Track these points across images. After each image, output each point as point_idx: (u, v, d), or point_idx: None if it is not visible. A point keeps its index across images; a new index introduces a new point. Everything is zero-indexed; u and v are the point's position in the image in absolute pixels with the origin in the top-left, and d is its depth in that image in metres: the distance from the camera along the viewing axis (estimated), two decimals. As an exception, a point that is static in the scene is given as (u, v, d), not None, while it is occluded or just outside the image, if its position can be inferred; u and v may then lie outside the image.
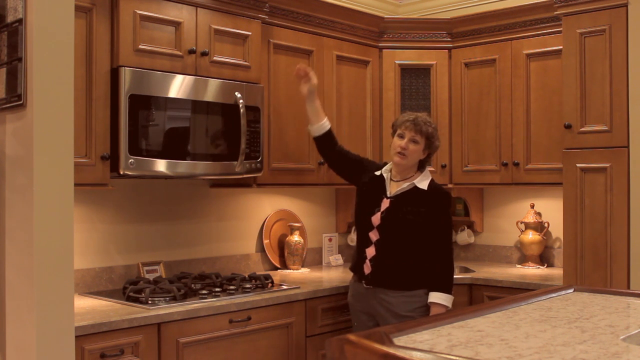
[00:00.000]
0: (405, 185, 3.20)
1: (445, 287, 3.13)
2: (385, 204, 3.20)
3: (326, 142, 3.47)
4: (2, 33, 2.48)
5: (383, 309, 3.16)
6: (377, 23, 4.15)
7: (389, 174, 3.28)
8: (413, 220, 3.14)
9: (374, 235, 3.20)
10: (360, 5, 4.45)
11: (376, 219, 3.19)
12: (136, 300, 2.95)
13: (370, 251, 3.20)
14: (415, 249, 3.16)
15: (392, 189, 3.23)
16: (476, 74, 4.14)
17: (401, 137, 3.21)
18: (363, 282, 3.22)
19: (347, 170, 3.49)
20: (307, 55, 3.81)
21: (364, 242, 3.25)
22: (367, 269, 3.20)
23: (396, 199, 3.19)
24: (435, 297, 3.10)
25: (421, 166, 3.27)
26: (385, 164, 3.37)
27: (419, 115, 3.26)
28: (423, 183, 3.20)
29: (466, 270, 4.07)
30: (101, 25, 2.94)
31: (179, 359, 2.84)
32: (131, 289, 3.04)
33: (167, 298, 2.96)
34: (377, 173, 3.32)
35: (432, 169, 4.14)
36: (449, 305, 3.12)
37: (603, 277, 3.32)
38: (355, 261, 3.31)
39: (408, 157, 3.19)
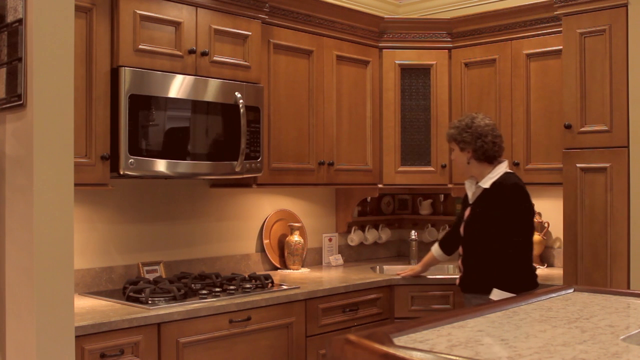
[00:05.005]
0: (475, 190, 3.24)
1: (507, 284, 3.05)
2: (467, 212, 3.26)
3: (456, 248, 3.50)
4: (2, 33, 2.48)
5: None
6: (377, 23, 4.15)
7: (470, 180, 3.30)
8: (482, 223, 3.16)
9: (461, 248, 3.28)
10: (360, 5, 4.45)
11: (463, 230, 3.27)
12: (136, 300, 2.95)
13: (460, 264, 3.30)
14: (492, 251, 3.13)
15: (472, 195, 3.27)
16: (476, 74, 4.14)
17: None
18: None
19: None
20: (307, 55, 3.81)
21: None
22: (458, 280, 3.33)
23: (474, 205, 3.23)
24: (494, 294, 3.07)
25: (489, 164, 3.21)
26: None
27: (453, 123, 3.35)
28: (487, 182, 3.18)
29: (466, 270, 4.06)
30: (101, 25, 2.94)
31: (179, 359, 2.84)
32: (131, 289, 3.04)
33: (167, 298, 2.96)
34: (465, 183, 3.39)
35: (432, 168, 4.14)
36: None
37: (603, 277, 3.31)
38: None
39: (457, 166, 3.38)
